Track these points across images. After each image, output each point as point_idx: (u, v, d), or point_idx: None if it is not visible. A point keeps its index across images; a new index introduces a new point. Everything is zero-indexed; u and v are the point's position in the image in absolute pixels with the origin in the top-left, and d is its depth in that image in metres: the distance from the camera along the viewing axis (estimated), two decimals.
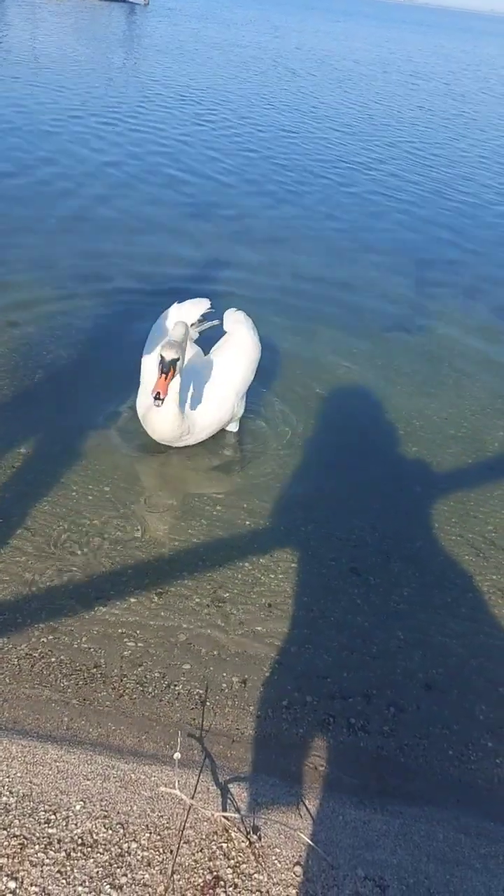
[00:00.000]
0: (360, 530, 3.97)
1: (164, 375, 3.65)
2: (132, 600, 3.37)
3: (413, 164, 12.72)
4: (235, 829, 2.41)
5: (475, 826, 2.60)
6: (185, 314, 4.34)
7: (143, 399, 4.23)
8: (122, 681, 3.00)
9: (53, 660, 3.06)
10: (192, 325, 4.35)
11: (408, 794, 2.69)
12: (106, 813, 2.42)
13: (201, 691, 3.00)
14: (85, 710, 2.88)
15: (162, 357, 3.64)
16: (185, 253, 7.46)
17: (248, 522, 3.94)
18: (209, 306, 4.46)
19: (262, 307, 6.28)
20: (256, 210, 9.16)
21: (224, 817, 2.44)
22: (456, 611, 3.51)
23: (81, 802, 2.45)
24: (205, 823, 2.43)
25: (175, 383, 3.83)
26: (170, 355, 3.65)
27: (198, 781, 2.58)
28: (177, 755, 2.58)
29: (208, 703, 2.95)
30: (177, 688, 3.00)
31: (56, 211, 8.08)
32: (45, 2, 36.08)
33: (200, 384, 4.22)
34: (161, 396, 3.67)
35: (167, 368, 3.65)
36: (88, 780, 2.54)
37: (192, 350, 4.30)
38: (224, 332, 4.48)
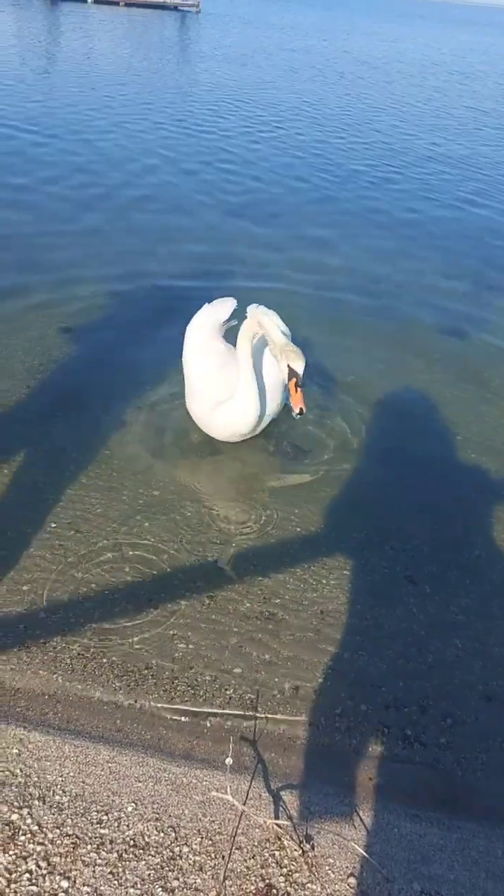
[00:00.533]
0: (415, 538, 3.89)
1: (300, 388, 3.57)
2: (183, 603, 3.36)
3: (458, 167, 12.53)
4: (288, 837, 2.37)
5: None
6: (220, 313, 4.32)
7: (201, 404, 4.24)
8: (173, 683, 2.99)
9: (105, 661, 3.06)
10: (223, 323, 4.34)
11: (465, 809, 2.61)
12: (158, 816, 2.40)
13: (252, 696, 2.97)
14: (136, 712, 2.88)
15: (297, 371, 3.55)
16: (235, 252, 7.47)
17: (298, 528, 3.90)
18: (235, 305, 4.38)
19: (305, 310, 6.25)
20: (304, 213, 9.13)
21: (276, 825, 2.40)
22: None
23: (133, 804, 2.44)
24: (256, 830, 2.39)
25: (252, 378, 3.89)
26: (302, 367, 3.56)
27: (249, 787, 2.55)
28: (229, 760, 2.55)
29: (260, 709, 2.92)
30: (227, 692, 2.98)
31: (120, 214, 8.21)
32: (97, 10, 36.78)
33: (259, 375, 4.15)
34: (304, 410, 3.59)
35: (303, 381, 3.59)
36: (140, 781, 2.53)
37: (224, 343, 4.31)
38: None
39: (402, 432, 4.79)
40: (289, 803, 2.52)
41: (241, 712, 2.90)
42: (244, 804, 2.46)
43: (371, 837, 2.45)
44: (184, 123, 13.72)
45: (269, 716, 2.89)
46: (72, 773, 2.52)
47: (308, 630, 3.28)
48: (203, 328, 4.28)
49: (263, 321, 3.74)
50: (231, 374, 4.07)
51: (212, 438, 4.41)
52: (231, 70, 21.75)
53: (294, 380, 3.56)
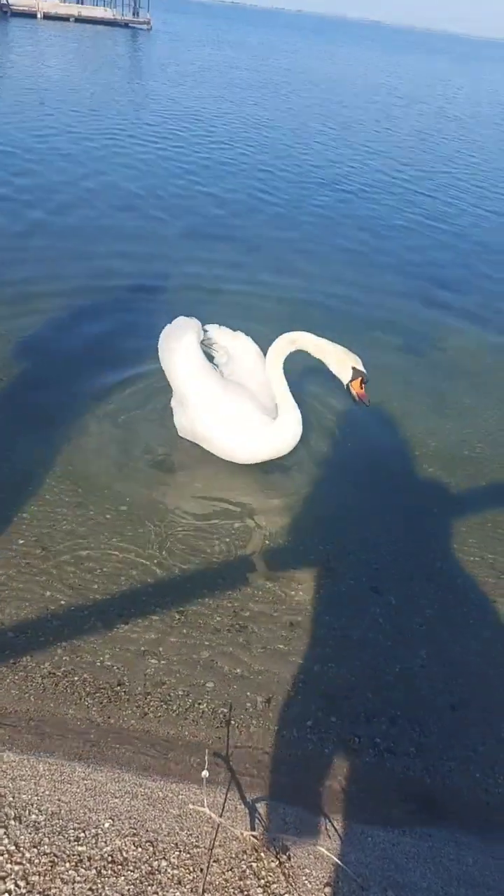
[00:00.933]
0: (379, 550, 3.98)
1: (364, 384, 4.05)
2: (154, 618, 3.37)
3: (406, 182, 12.87)
4: (265, 848, 2.40)
5: (502, 848, 2.58)
6: (198, 332, 4.37)
7: (218, 427, 4.28)
8: (146, 699, 3.00)
9: (77, 678, 3.06)
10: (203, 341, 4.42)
11: (436, 817, 2.68)
12: (135, 831, 2.41)
13: (225, 710, 2.99)
14: (110, 728, 2.88)
15: (362, 370, 4.01)
16: (179, 269, 7.53)
17: (267, 542, 3.95)
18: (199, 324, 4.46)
19: (273, 324, 6.34)
20: (258, 227, 9.26)
21: (253, 836, 2.43)
22: (478, 630, 3.51)
23: (110, 820, 2.44)
24: (234, 843, 2.42)
25: (292, 399, 4.22)
26: (362, 365, 4.04)
27: (225, 800, 2.58)
28: (205, 773, 2.57)
29: (233, 722, 2.95)
30: (201, 706, 3.00)
31: (72, 229, 8.21)
32: (48, 26, 36.70)
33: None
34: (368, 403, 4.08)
35: (367, 378, 4.04)
36: (116, 797, 2.53)
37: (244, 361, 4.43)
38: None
39: (363, 447, 4.89)
40: (264, 815, 2.56)
41: (215, 726, 2.93)
42: (221, 816, 2.49)
43: (345, 846, 2.49)
44: (135, 139, 13.79)
45: (243, 729, 2.93)
46: (47, 792, 2.51)
47: (278, 642, 3.32)
48: (196, 349, 4.28)
49: (307, 338, 4.09)
50: (236, 394, 4.22)
51: (177, 454, 4.46)
52: (180, 86, 21.97)
53: (360, 378, 4.00)
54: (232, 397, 4.23)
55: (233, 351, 4.52)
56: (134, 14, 45.83)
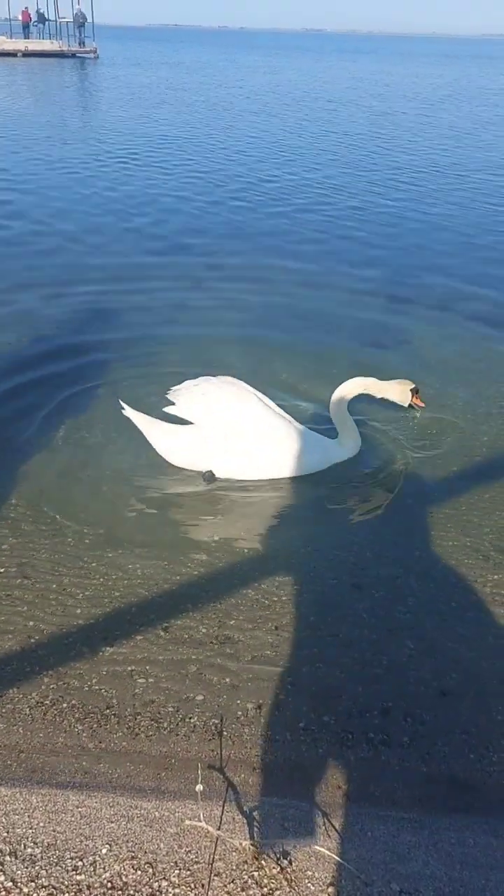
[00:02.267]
0: (358, 546, 3.98)
1: (417, 395, 4.73)
2: (139, 637, 3.36)
3: (352, 190, 13.00)
4: (265, 856, 2.39)
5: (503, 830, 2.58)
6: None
7: (290, 450, 4.45)
8: (136, 719, 2.98)
9: (65, 705, 3.03)
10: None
11: (434, 804, 2.67)
12: (133, 854, 2.39)
13: (217, 721, 2.98)
14: (102, 752, 2.85)
15: (417, 388, 4.70)
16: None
17: (247, 549, 3.95)
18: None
19: (227, 345, 6.38)
20: (220, 246, 9.32)
21: (252, 845, 2.41)
22: (462, 615, 3.52)
23: (108, 846, 2.41)
24: (234, 854, 2.40)
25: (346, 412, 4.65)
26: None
27: (222, 812, 2.56)
28: (199, 787, 2.55)
29: (225, 733, 2.93)
30: (192, 720, 2.98)
31: (22, 259, 8.22)
32: None
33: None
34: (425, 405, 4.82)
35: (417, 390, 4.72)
36: (112, 822, 2.51)
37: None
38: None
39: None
40: (263, 822, 2.54)
41: (207, 738, 2.91)
42: (219, 829, 2.47)
43: (346, 844, 2.48)
44: (86, 163, 13.87)
45: (235, 738, 2.91)
46: (42, 823, 2.48)
47: (265, 648, 3.31)
48: (251, 394, 4.42)
49: (373, 383, 4.60)
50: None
51: (150, 474, 4.48)
52: (128, 110, 22.15)
53: (416, 395, 4.70)
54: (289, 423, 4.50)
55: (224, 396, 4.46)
56: (80, 44, 46.11)
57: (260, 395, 4.45)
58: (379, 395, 4.63)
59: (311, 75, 41.78)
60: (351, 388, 4.57)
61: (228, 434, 4.35)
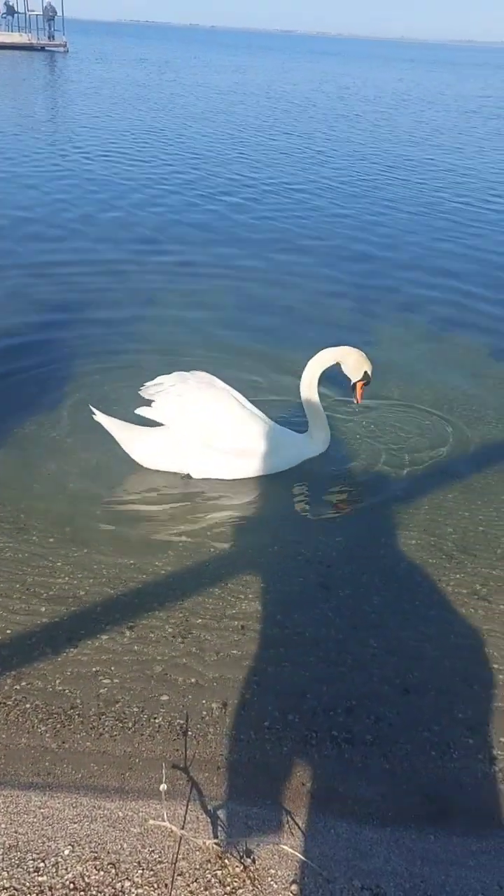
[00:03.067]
0: (325, 546, 4.01)
1: (364, 384, 4.63)
2: (104, 637, 3.34)
3: (322, 186, 13.08)
4: (229, 855, 2.39)
5: (462, 823, 2.62)
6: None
7: (262, 443, 4.43)
8: (100, 719, 2.96)
9: (28, 706, 3.00)
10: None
11: (396, 800, 2.70)
12: (96, 854, 2.38)
13: (182, 721, 2.97)
14: (65, 753, 2.83)
15: (370, 375, 4.59)
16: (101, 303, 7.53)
17: (214, 548, 3.95)
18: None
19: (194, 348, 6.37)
20: (195, 244, 9.30)
21: (216, 844, 2.42)
22: (425, 614, 3.56)
23: (70, 847, 2.40)
24: (197, 853, 2.40)
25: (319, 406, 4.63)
26: (368, 367, 4.58)
27: (186, 811, 2.56)
28: (163, 787, 2.55)
29: (190, 732, 2.93)
30: (157, 720, 2.97)
31: None
32: None
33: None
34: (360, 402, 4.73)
35: (367, 379, 4.62)
36: (75, 823, 2.50)
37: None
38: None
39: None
40: (227, 821, 2.55)
41: (172, 738, 2.90)
42: (182, 829, 2.47)
43: (309, 842, 2.50)
44: (59, 159, 13.73)
45: (200, 738, 2.91)
46: (3, 825, 2.46)
47: (231, 648, 3.31)
48: (226, 392, 4.40)
49: (339, 351, 4.53)
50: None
51: (116, 474, 4.46)
52: (100, 104, 21.97)
53: (365, 382, 4.59)
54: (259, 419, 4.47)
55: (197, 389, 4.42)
56: (49, 38, 45.61)
57: (232, 391, 4.44)
58: (337, 361, 4.56)
59: (272, 75, 41.88)
60: (323, 359, 4.52)
61: (204, 436, 4.35)
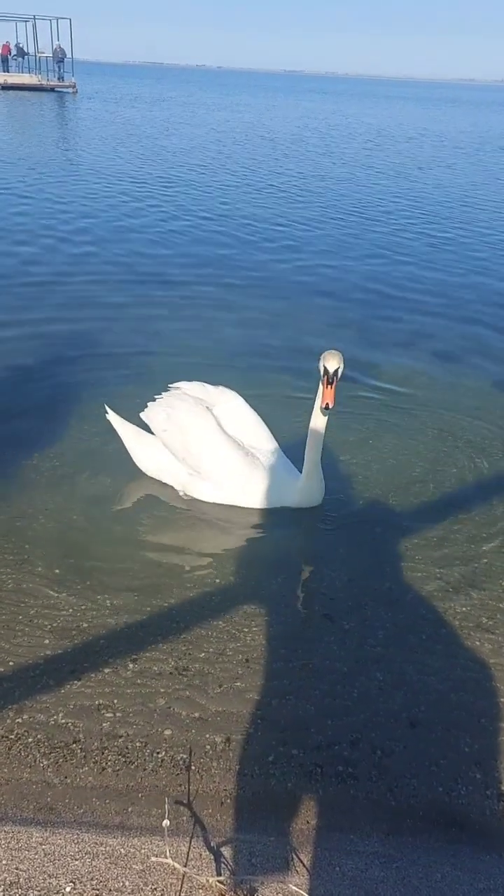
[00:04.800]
0: (329, 578, 4.00)
1: (330, 385, 3.90)
2: (107, 670, 3.32)
3: (318, 220, 13.25)
4: (232, 893, 2.35)
5: (471, 861, 2.57)
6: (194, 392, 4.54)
7: (255, 480, 4.35)
8: (102, 754, 2.94)
9: (31, 740, 2.98)
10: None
11: (402, 837, 2.66)
12: (98, 892, 2.34)
13: (185, 755, 2.94)
14: (67, 788, 2.80)
15: (326, 368, 3.87)
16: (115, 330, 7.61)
17: (217, 580, 3.94)
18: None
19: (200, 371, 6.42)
20: (193, 279, 9.41)
21: (219, 882, 2.38)
22: (431, 647, 3.53)
23: (72, 884, 2.37)
24: (200, 891, 2.37)
25: (318, 453, 4.22)
26: (333, 365, 3.87)
27: (189, 848, 2.53)
28: (166, 822, 2.52)
29: (193, 767, 2.90)
30: (159, 755, 2.94)
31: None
32: None
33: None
34: (331, 406, 3.92)
35: (332, 379, 3.89)
36: (77, 859, 2.46)
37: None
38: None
39: None
40: (231, 858, 2.51)
41: (175, 773, 2.87)
42: (185, 866, 2.43)
43: (314, 881, 2.45)
44: (66, 196, 13.97)
45: (203, 773, 2.88)
46: (4, 861, 2.43)
47: (234, 681, 3.29)
48: (204, 410, 4.37)
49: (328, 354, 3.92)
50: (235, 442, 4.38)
51: (121, 505, 4.48)
52: (108, 145, 22.40)
53: (325, 377, 3.89)
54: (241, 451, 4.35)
55: (221, 406, 4.53)
56: (59, 79, 46.62)
57: (248, 414, 4.50)
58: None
59: (265, 113, 42.77)
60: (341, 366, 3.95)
61: (182, 457, 4.43)
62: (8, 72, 47.02)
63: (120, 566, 3.99)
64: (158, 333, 7.39)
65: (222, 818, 2.70)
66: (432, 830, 2.68)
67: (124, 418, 4.71)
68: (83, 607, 3.68)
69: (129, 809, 2.72)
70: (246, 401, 4.58)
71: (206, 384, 4.63)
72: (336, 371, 3.90)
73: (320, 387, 3.97)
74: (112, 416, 4.68)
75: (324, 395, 3.94)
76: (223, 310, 8.22)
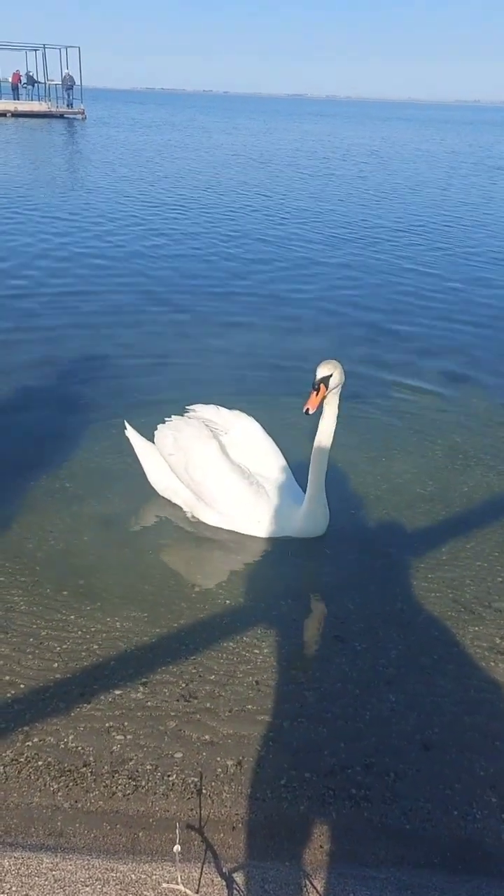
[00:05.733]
0: (340, 598, 3.97)
1: (315, 391, 3.95)
2: (117, 693, 3.30)
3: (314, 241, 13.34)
4: None
5: (487, 888, 2.52)
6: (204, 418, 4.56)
7: (260, 507, 4.34)
8: (113, 777, 2.91)
9: (41, 763, 2.96)
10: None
11: (416, 862, 2.61)
12: None
13: (196, 779, 2.91)
14: (77, 812, 2.77)
15: (315, 374, 3.96)
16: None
17: (227, 601, 3.92)
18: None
19: (209, 387, 6.44)
20: (195, 301, 9.48)
21: None
22: (444, 668, 3.50)
23: None
24: None
25: (321, 476, 4.19)
26: (322, 372, 3.95)
27: (201, 874, 2.49)
28: (177, 848, 2.49)
29: (204, 791, 2.86)
30: (170, 778, 2.91)
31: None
32: None
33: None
34: (311, 411, 3.96)
35: (317, 385, 3.95)
36: (87, 886, 2.43)
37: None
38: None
39: None
40: (243, 885, 2.47)
41: (186, 797, 2.84)
42: (197, 892, 2.40)
43: None
44: (77, 223, 14.12)
45: (215, 797, 2.84)
46: (14, 888, 2.40)
47: (246, 703, 3.26)
48: (209, 436, 4.37)
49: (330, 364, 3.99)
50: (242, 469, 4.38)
51: (130, 526, 4.49)
52: (116, 169, 22.68)
53: (317, 391, 3.96)
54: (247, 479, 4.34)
55: (234, 431, 4.55)
56: (68, 106, 47.35)
57: (261, 439, 4.51)
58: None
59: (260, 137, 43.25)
60: (334, 375, 4.00)
61: (188, 482, 4.44)
62: (18, 99, 47.82)
63: (129, 588, 3.98)
64: (170, 354, 7.42)
65: (234, 843, 2.66)
66: (447, 856, 2.64)
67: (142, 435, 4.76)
68: (93, 629, 3.66)
69: (140, 834, 2.69)
70: (261, 425, 4.59)
71: (220, 407, 4.65)
72: (325, 379, 3.95)
73: (314, 394, 3.99)
74: (130, 432, 4.75)
75: (308, 400, 3.99)
76: (235, 329, 8.26)
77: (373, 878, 2.54)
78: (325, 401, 4.08)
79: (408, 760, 2.99)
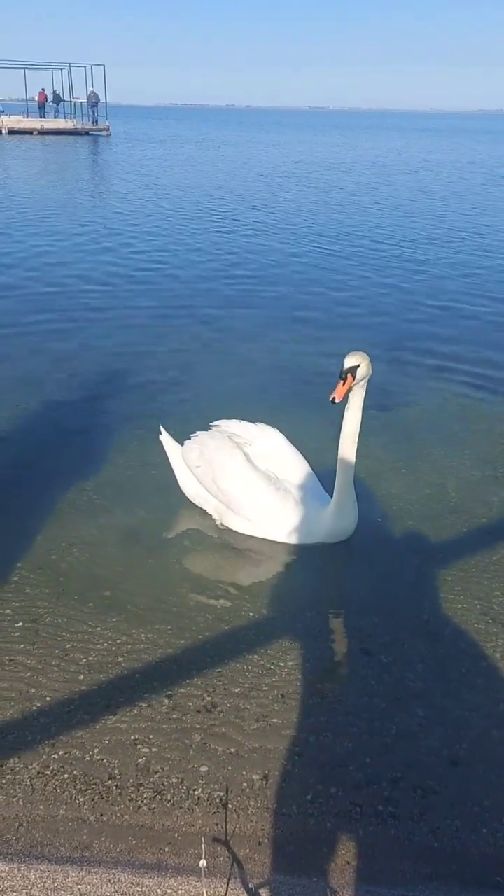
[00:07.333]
0: (366, 610, 3.94)
1: (342, 381, 3.94)
2: (142, 705, 3.30)
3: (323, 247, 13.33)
4: None
5: None
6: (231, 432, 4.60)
7: (288, 511, 4.35)
8: (138, 790, 2.90)
9: (66, 776, 2.96)
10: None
11: (444, 880, 2.56)
12: None
13: (222, 793, 2.89)
14: (103, 826, 2.77)
15: (343, 364, 3.94)
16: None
17: (252, 614, 3.91)
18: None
19: (230, 400, 6.45)
20: (217, 313, 9.52)
21: None
22: (472, 682, 3.45)
23: None
24: None
25: (348, 479, 4.19)
26: (350, 362, 3.94)
27: (227, 889, 2.47)
28: (202, 863, 2.47)
29: (230, 806, 2.84)
30: (196, 792, 2.90)
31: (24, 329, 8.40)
32: (13, 140, 38.78)
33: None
34: (337, 400, 3.97)
35: (344, 375, 3.93)
36: None
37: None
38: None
39: None
40: None
41: (212, 811, 2.82)
42: None
43: None
44: (103, 240, 14.28)
45: (241, 811, 2.82)
46: None
47: (271, 716, 3.24)
48: (234, 447, 4.42)
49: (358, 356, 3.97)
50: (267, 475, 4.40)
51: (156, 536, 4.50)
52: (142, 186, 22.94)
53: (344, 380, 3.94)
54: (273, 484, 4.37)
55: (259, 442, 4.56)
56: (93, 122, 48.09)
57: (286, 450, 4.53)
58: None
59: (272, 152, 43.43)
60: (361, 366, 3.97)
61: (216, 493, 4.48)
62: (45, 117, 48.68)
63: (154, 599, 3.98)
64: (195, 365, 7.46)
65: (260, 858, 2.64)
66: (476, 874, 2.59)
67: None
68: (118, 641, 3.67)
69: (166, 848, 2.68)
70: (286, 437, 4.60)
71: (245, 422, 4.67)
72: (352, 369, 3.93)
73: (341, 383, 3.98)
74: (165, 437, 4.81)
75: (335, 389, 3.98)
76: (258, 341, 8.28)
77: (401, 894, 2.50)
78: (352, 392, 4.07)
79: (436, 776, 2.95)
